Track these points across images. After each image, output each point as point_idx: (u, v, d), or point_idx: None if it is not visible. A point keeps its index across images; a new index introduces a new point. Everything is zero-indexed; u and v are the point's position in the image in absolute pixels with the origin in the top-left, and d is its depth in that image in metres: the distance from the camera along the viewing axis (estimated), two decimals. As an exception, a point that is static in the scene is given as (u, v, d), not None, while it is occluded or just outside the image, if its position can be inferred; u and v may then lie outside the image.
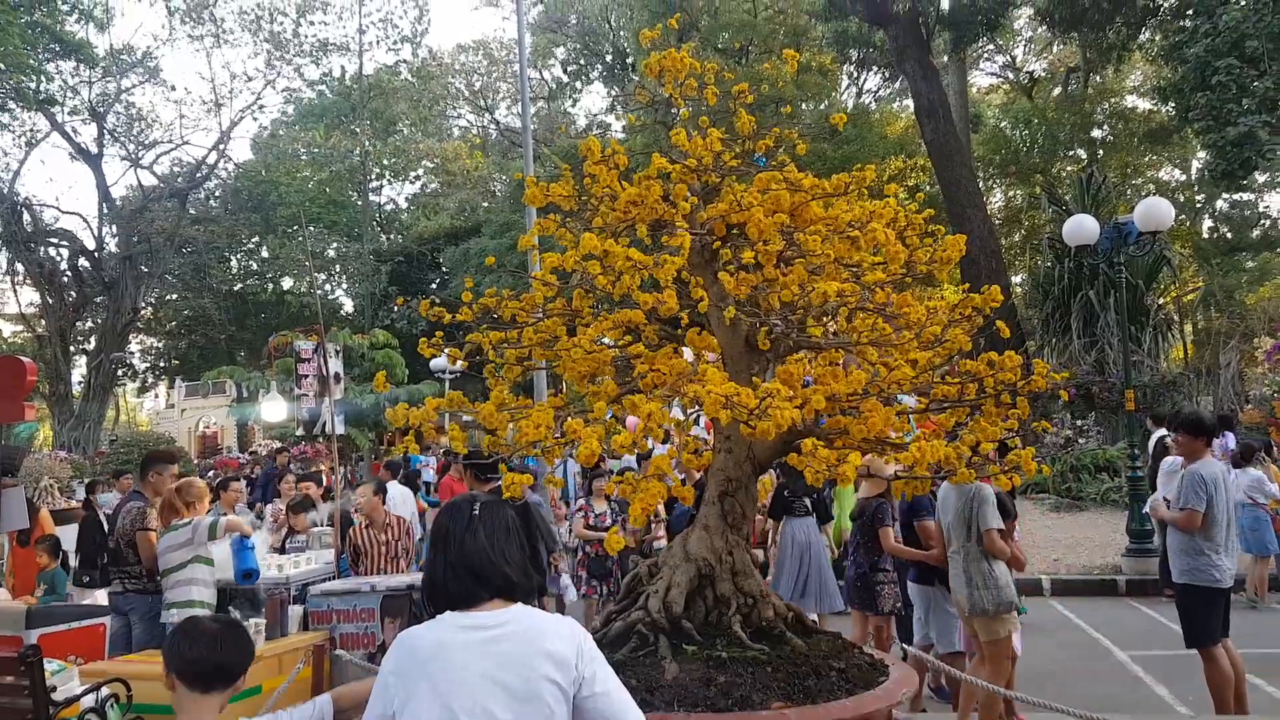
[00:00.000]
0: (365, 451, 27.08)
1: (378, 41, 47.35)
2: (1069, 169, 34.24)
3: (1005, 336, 4.82)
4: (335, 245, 42.62)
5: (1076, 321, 21.38)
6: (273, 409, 25.81)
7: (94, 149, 37.28)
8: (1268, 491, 10.13)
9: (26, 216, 35.28)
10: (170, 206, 37.74)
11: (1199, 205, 36.43)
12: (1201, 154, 28.07)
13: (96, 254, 37.30)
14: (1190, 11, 21.53)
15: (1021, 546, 6.46)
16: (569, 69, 44.50)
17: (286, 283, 42.85)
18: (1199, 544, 6.13)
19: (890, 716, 3.88)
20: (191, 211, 38.71)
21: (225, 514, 7.92)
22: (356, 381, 24.78)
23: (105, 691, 4.43)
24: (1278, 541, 10.11)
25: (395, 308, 35.17)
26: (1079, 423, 19.38)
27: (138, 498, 7.13)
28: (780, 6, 35.46)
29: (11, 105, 32.94)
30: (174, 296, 41.30)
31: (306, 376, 15.96)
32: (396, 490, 10.83)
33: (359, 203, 44.41)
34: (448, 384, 24.34)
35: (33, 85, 31.69)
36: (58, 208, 46.95)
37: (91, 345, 38.77)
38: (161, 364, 46.95)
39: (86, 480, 18.17)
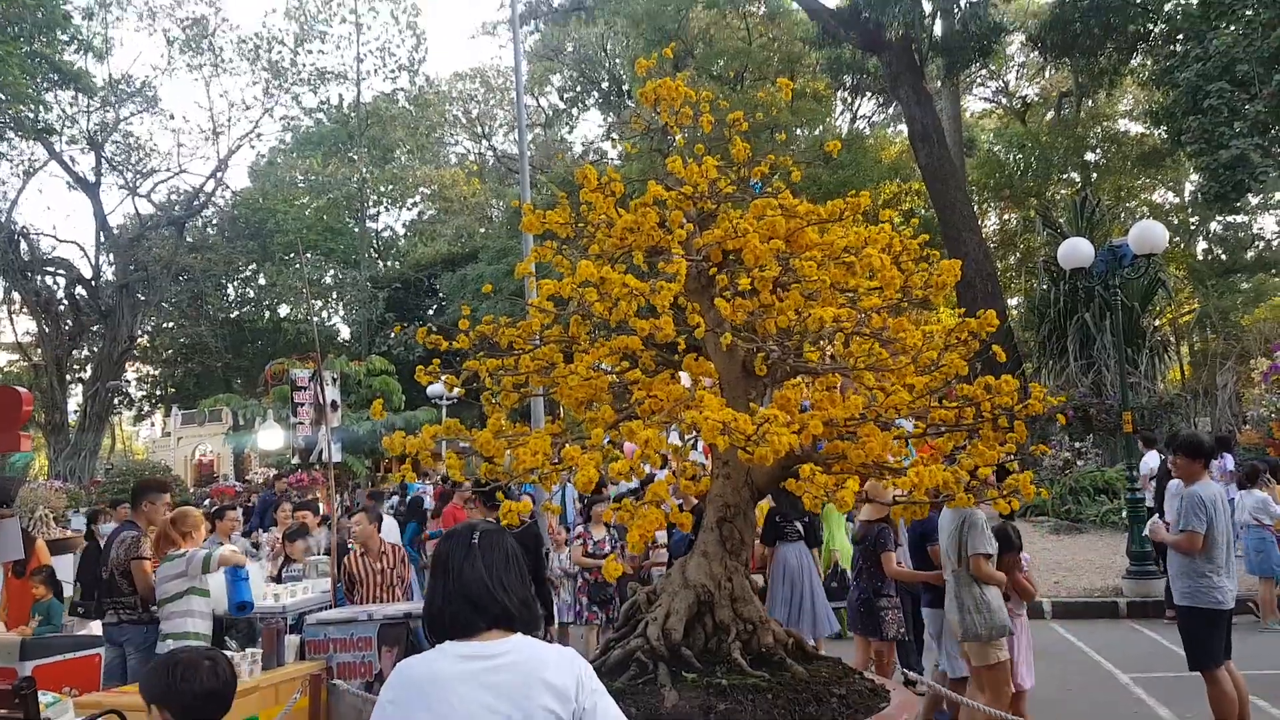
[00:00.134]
0: (362, 479, 26.99)
1: (375, 70, 47.63)
2: (1063, 192, 34.42)
3: (1002, 360, 4.83)
4: (332, 272, 42.69)
5: (1073, 344, 21.42)
6: (269, 437, 25.74)
7: (92, 178, 37.41)
8: (1273, 513, 10.07)
9: (24, 245, 35.30)
10: (168, 235, 37.82)
11: (1193, 227, 36.63)
12: (1194, 177, 28.24)
13: (93, 282, 37.32)
14: (1180, 36, 21.76)
15: (1032, 577, 6.41)
16: (565, 96, 44.77)
17: (283, 310, 42.90)
18: (1200, 566, 6.10)
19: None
20: (189, 239, 38.79)
21: (222, 543, 7.88)
22: (353, 408, 24.75)
23: (100, 723, 4.38)
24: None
25: (392, 334, 35.23)
26: (1077, 445, 19.35)
27: (131, 527, 7.07)
28: (774, 34, 35.81)
29: (10, 134, 33.07)
30: (171, 325, 41.29)
31: (303, 404, 15.96)
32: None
33: (356, 230, 44.54)
34: (445, 411, 24.28)
35: (31, 115, 31.83)
36: (55, 236, 46.96)
37: (88, 374, 38.69)
38: (158, 392, 46.84)
39: (86, 510, 18.10)
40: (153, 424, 52.68)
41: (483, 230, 42.86)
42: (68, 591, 8.99)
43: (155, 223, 38.34)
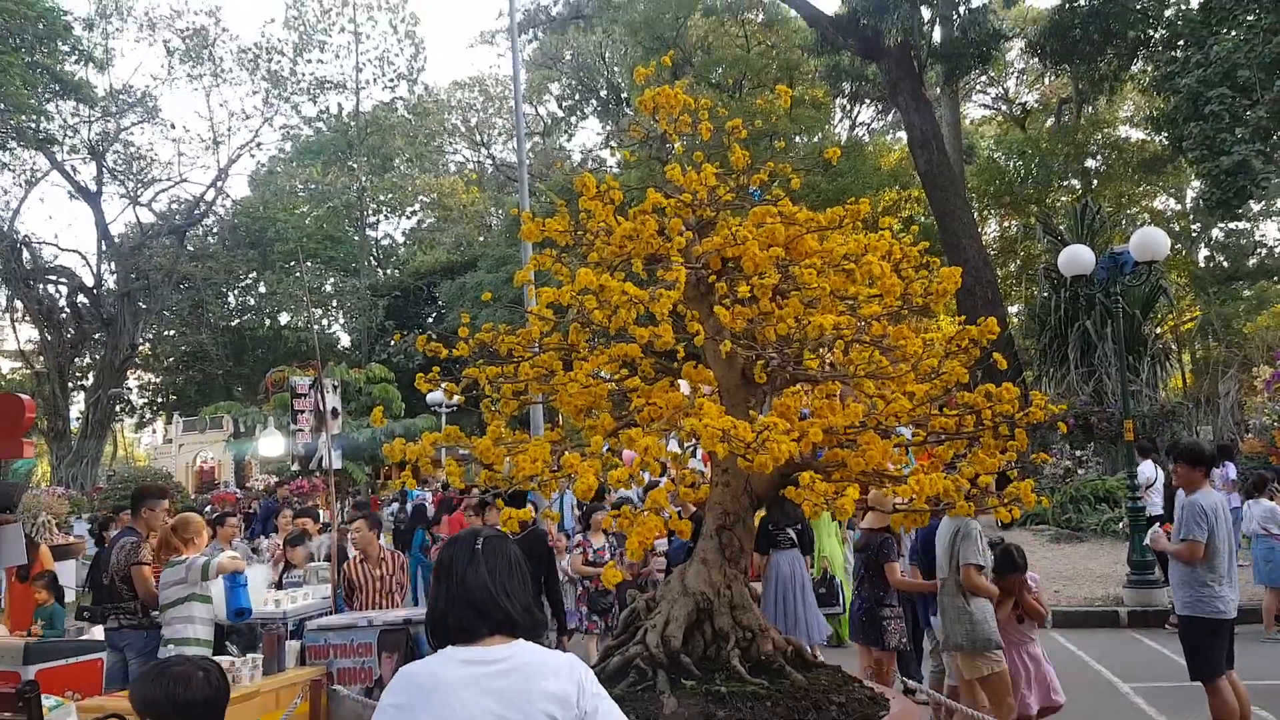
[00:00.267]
0: (362, 486, 26.99)
1: (374, 79, 47.87)
2: (1063, 199, 34.42)
3: (1003, 368, 4.81)
4: (332, 280, 42.76)
5: (1074, 352, 21.40)
6: (270, 444, 25.77)
7: (93, 187, 37.52)
8: None
9: (26, 254, 35.40)
10: (168, 243, 37.89)
11: (1195, 234, 36.63)
12: (1196, 183, 28.26)
13: (95, 291, 37.39)
14: (1181, 42, 21.75)
15: (1043, 598, 6.35)
16: (564, 105, 44.90)
17: (284, 318, 42.96)
18: (1201, 575, 6.08)
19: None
20: (190, 248, 38.86)
21: (223, 549, 7.89)
22: (353, 416, 24.76)
23: (103, 728, 4.38)
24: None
25: (392, 342, 35.23)
26: (1078, 453, 19.34)
27: (130, 533, 7.11)
28: (773, 41, 35.89)
29: (12, 144, 33.15)
30: (172, 332, 41.33)
31: (303, 412, 15.92)
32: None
33: (356, 238, 44.63)
34: (444, 418, 24.29)
35: (33, 125, 31.92)
36: (57, 245, 47.26)
37: (90, 381, 38.76)
38: (159, 399, 46.90)
39: (90, 516, 18.10)
40: (154, 431, 52.75)
41: (482, 238, 42.96)
42: (70, 597, 8.99)
43: (156, 231, 38.42)
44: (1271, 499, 10.42)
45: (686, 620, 4.22)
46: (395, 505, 19.28)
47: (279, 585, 8.56)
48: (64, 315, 36.68)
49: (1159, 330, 25.07)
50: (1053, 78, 36.32)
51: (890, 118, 38.25)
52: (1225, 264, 35.21)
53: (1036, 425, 4.40)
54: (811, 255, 4.41)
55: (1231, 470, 13.62)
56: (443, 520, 13.95)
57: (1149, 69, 27.37)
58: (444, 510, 14.37)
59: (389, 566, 7.72)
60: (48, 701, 4.51)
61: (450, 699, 2.23)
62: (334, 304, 43.89)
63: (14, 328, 38.78)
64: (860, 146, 36.56)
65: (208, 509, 19.06)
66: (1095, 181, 35.04)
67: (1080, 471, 18.58)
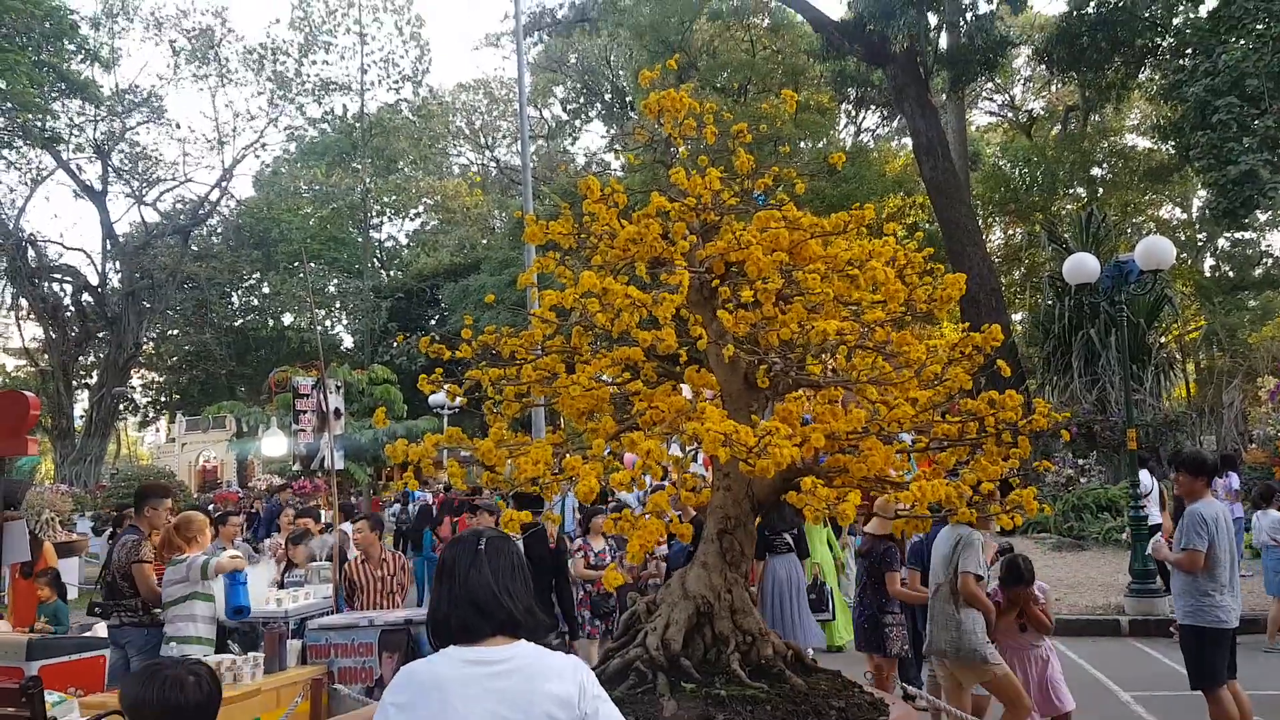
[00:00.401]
0: (364, 486, 27.00)
1: (379, 80, 47.73)
2: (1069, 207, 34.39)
3: (1006, 375, 4.81)
4: (336, 281, 42.78)
5: (1078, 360, 21.37)
6: (273, 444, 25.75)
7: (98, 186, 37.56)
8: None
9: (31, 252, 35.44)
10: (173, 243, 37.91)
11: (1200, 244, 36.57)
12: (1202, 192, 28.21)
13: (99, 290, 37.45)
14: (1189, 50, 21.73)
15: (1049, 609, 6.30)
16: (568, 108, 44.95)
17: (287, 319, 42.99)
18: (1202, 584, 6.06)
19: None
20: (194, 248, 38.88)
21: (224, 548, 7.92)
22: (355, 416, 24.77)
23: (106, 724, 4.39)
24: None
25: (395, 344, 35.25)
26: (1080, 462, 19.30)
27: (133, 531, 7.17)
28: (778, 46, 35.89)
29: (18, 143, 33.21)
30: (175, 332, 41.38)
31: (305, 412, 15.94)
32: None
33: (359, 239, 44.65)
34: (446, 420, 24.33)
35: (39, 123, 31.98)
36: (62, 244, 47.35)
37: (94, 380, 38.82)
38: (162, 399, 46.95)
39: (103, 514, 18.11)
40: (157, 430, 52.86)
41: (485, 241, 43.01)
42: (73, 594, 9.03)
43: (161, 231, 38.46)
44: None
45: (687, 624, 4.22)
46: (397, 506, 19.31)
47: (281, 584, 8.60)
48: (69, 314, 36.74)
49: (1163, 339, 25.02)
50: (1059, 85, 36.30)
51: (895, 124, 38.28)
52: (1231, 274, 35.14)
53: (1039, 433, 4.39)
54: (815, 260, 4.40)
55: (1235, 480, 13.58)
56: (444, 521, 13.98)
57: (1156, 77, 27.33)
58: (446, 511, 14.39)
59: (390, 567, 7.76)
60: (50, 697, 4.53)
61: (452, 699, 2.24)
62: (337, 305, 43.92)
63: (19, 325, 38.86)
64: (865, 152, 36.57)
65: (210, 507, 19.08)
66: (1101, 190, 35.00)
67: (1082, 480, 18.53)
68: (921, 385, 4.44)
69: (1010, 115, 41.68)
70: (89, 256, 38.94)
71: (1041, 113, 40.32)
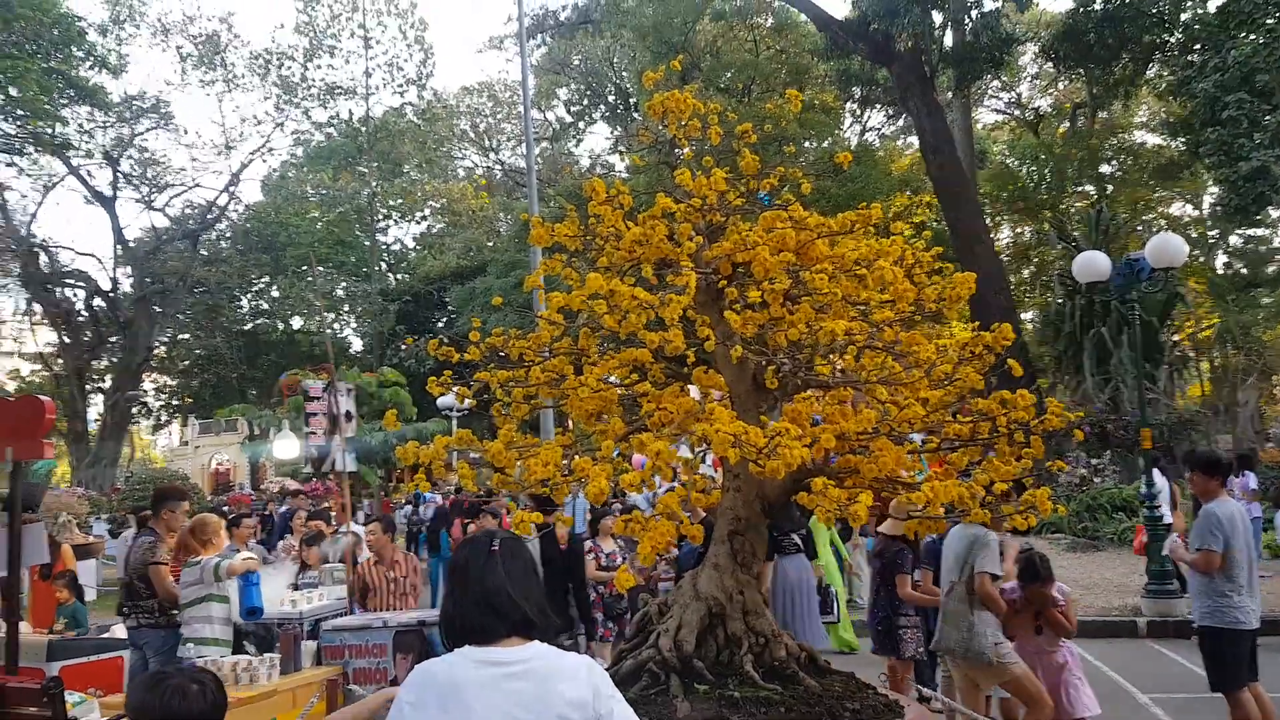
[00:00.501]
0: (375, 488, 27.07)
1: (384, 84, 48.06)
2: (1078, 205, 34.23)
3: (1017, 375, 4.77)
4: (344, 285, 42.91)
5: (1089, 359, 21.27)
6: (285, 446, 25.81)
7: (108, 192, 37.77)
8: None
9: (43, 258, 35.69)
10: (182, 248, 38.10)
11: (1212, 241, 36.30)
12: (1213, 189, 28.03)
13: (111, 294, 37.66)
14: (1198, 46, 21.61)
15: (1070, 612, 6.21)
16: (572, 110, 44.96)
17: (296, 322, 43.16)
18: (1219, 585, 6.01)
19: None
20: (203, 253, 39.06)
21: (239, 550, 7.97)
22: (365, 419, 24.84)
23: (126, 724, 4.41)
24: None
25: (403, 346, 35.36)
26: (1094, 461, 19.20)
27: (149, 533, 7.26)
28: (782, 46, 35.80)
29: (29, 149, 33.41)
30: (187, 336, 41.60)
31: (315, 415, 15.98)
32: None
33: (367, 243, 44.79)
34: (455, 422, 24.37)
35: (49, 130, 32.15)
36: (73, 249, 47.33)
37: (107, 384, 39.07)
38: (175, 402, 47.20)
39: (118, 517, 18.21)
40: (170, 433, 53.09)
41: (491, 243, 43.04)
42: (90, 595, 9.12)
43: (170, 236, 38.65)
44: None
45: (699, 625, 4.21)
46: (408, 508, 19.35)
47: (295, 586, 8.65)
48: (81, 319, 36.98)
49: (1176, 338, 24.90)
50: (1067, 82, 36.12)
51: (901, 122, 38.17)
52: (1244, 271, 34.85)
53: (1052, 433, 4.35)
54: (822, 260, 4.38)
55: (1252, 480, 13.49)
56: (455, 523, 14.04)
57: (1165, 73, 27.19)
58: (456, 513, 14.46)
59: (403, 569, 7.80)
60: (71, 698, 4.57)
61: (467, 698, 2.25)
62: (346, 308, 44.07)
63: (33, 331, 39.11)
64: (871, 151, 36.46)
65: (225, 509, 19.16)
66: (1110, 187, 34.82)
67: (1096, 480, 18.44)
68: (932, 385, 4.41)
69: (1017, 113, 41.52)
70: (100, 262, 39.27)
71: (1049, 110, 40.14)
